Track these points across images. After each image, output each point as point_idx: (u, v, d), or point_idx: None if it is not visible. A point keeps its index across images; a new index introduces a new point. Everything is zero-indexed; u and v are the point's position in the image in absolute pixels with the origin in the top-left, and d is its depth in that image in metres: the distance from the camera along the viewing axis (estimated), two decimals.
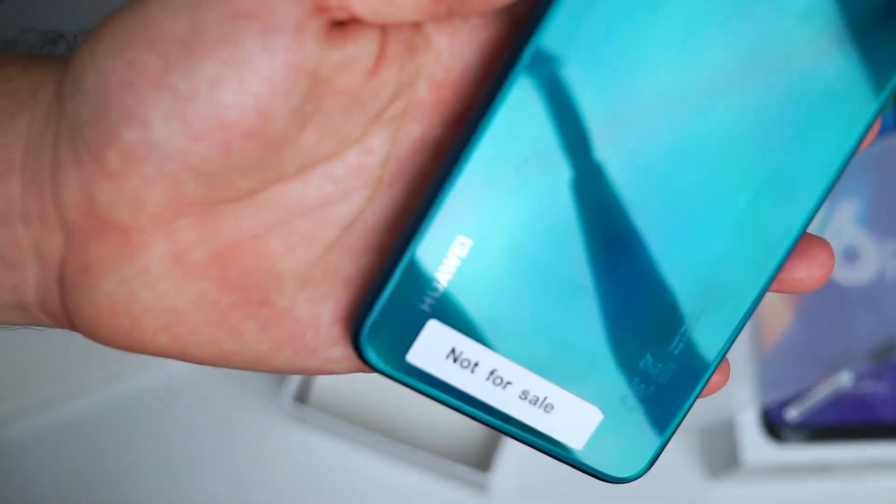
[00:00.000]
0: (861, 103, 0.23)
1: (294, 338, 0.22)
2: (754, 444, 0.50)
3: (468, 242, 0.22)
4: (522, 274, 0.22)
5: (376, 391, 0.53)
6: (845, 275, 0.53)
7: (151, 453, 0.54)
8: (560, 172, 0.22)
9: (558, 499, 0.54)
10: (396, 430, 0.53)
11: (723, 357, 0.24)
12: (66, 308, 0.21)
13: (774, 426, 0.51)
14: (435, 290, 0.22)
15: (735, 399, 0.51)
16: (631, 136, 0.22)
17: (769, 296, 0.52)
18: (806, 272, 0.24)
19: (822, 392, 0.52)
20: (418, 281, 0.22)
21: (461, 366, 0.22)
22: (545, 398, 0.23)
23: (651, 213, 0.23)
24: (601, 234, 0.22)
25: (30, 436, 0.54)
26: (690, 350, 0.24)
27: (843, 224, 0.54)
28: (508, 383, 0.23)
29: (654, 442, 0.24)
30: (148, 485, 0.54)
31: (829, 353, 0.52)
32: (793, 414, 0.51)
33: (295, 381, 0.51)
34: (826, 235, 0.53)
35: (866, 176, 0.54)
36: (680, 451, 0.54)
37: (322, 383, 0.53)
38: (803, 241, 0.24)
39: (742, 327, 0.24)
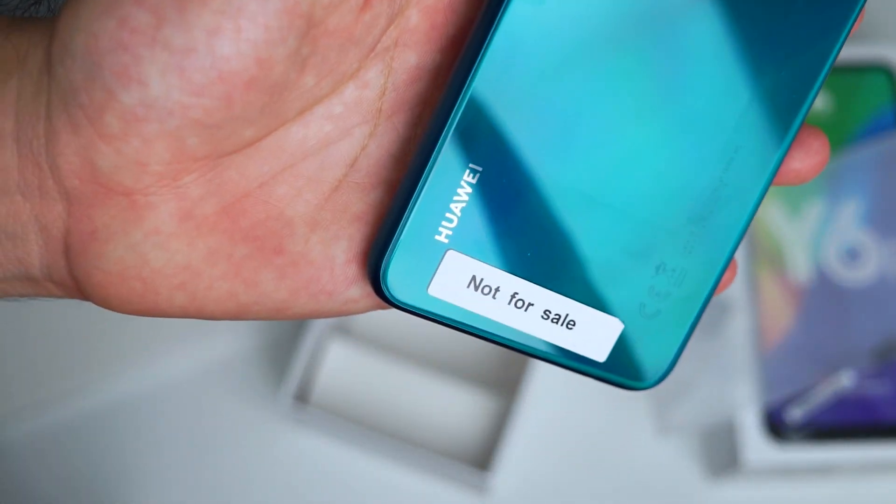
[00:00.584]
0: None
1: (311, 282, 0.22)
2: (755, 445, 0.50)
3: (479, 169, 0.22)
4: (534, 194, 0.22)
5: (376, 390, 0.53)
6: (847, 275, 0.53)
7: (149, 454, 0.54)
8: (564, 87, 0.22)
9: (559, 498, 0.54)
10: (396, 429, 0.53)
11: (732, 254, 0.24)
12: (74, 278, 0.21)
13: (775, 426, 0.51)
14: (450, 220, 0.22)
15: (736, 399, 0.51)
16: (635, 43, 0.22)
17: (770, 295, 0.52)
18: (801, 162, 0.24)
19: (823, 392, 0.51)
20: (433, 213, 0.22)
21: (483, 293, 0.23)
22: (567, 315, 0.23)
23: (656, 119, 0.23)
24: (608, 144, 0.22)
25: (28, 437, 0.54)
26: (701, 251, 0.24)
27: (844, 224, 0.53)
28: (530, 305, 0.23)
29: (673, 345, 0.24)
30: (147, 486, 0.54)
31: (831, 353, 0.51)
32: (794, 414, 0.51)
33: (295, 381, 0.51)
34: (828, 235, 0.53)
35: (868, 176, 0.54)
36: (680, 452, 0.54)
37: (322, 383, 0.53)
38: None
39: (749, 223, 0.24)
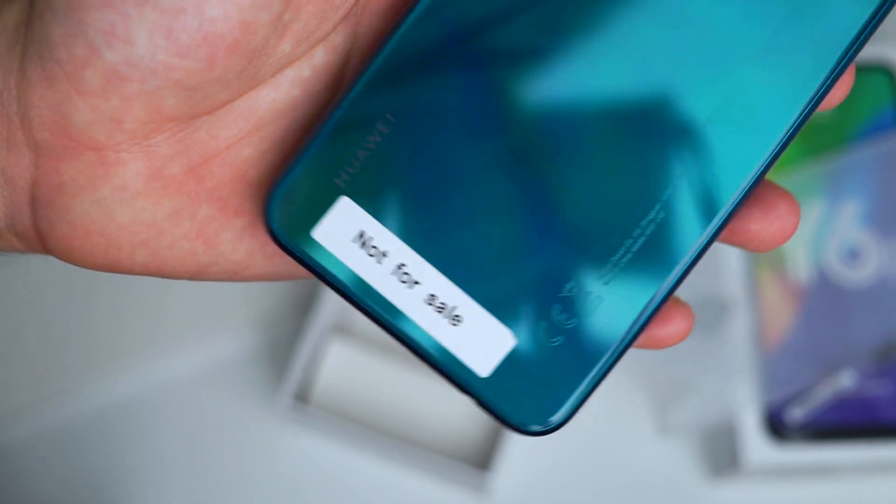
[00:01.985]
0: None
1: (266, 243, 0.22)
2: (755, 445, 0.50)
3: (394, 121, 0.20)
4: (448, 167, 0.20)
5: (376, 390, 0.53)
6: (847, 275, 0.53)
7: (149, 454, 0.54)
8: (497, 60, 0.20)
9: (559, 498, 0.54)
10: (396, 429, 0.53)
11: (663, 301, 0.21)
12: (38, 230, 0.21)
13: (776, 427, 0.51)
14: (352, 166, 0.20)
15: (736, 399, 0.51)
16: (576, 23, 0.20)
17: (771, 294, 0.52)
18: (758, 224, 0.22)
19: (823, 392, 0.51)
20: (336, 153, 0.20)
21: (368, 253, 0.20)
22: (454, 308, 0.21)
23: (597, 119, 0.20)
24: (542, 133, 0.20)
25: (27, 437, 0.54)
26: (625, 283, 0.21)
27: (844, 224, 0.53)
28: (416, 283, 0.20)
29: (573, 388, 0.21)
30: (146, 486, 0.54)
31: (831, 354, 0.51)
32: (794, 415, 0.51)
33: (295, 381, 0.51)
34: (828, 235, 0.53)
35: (868, 176, 0.54)
36: (680, 452, 0.54)
37: (322, 383, 0.53)
38: (765, 189, 0.22)
39: (689, 270, 0.21)
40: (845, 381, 0.52)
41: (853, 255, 0.53)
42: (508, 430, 0.21)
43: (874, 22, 0.20)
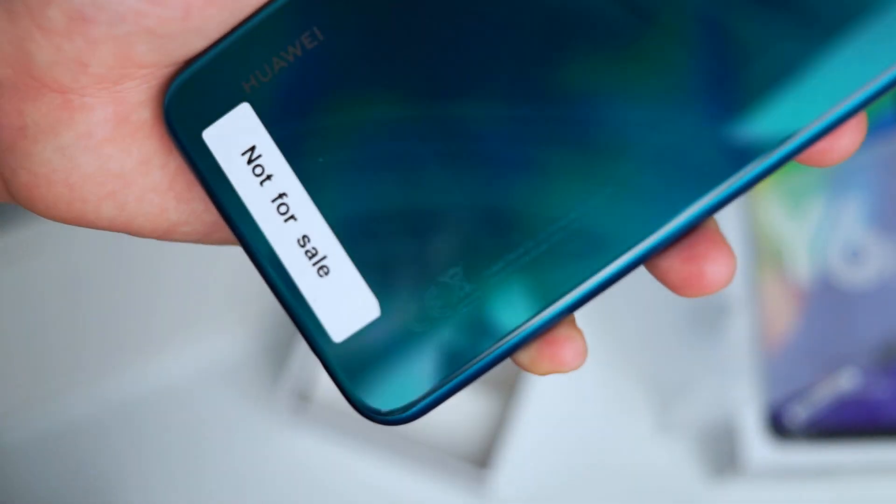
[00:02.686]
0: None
1: None
2: (756, 445, 0.50)
3: (321, 38, 0.19)
4: (365, 107, 0.19)
5: None
6: (848, 275, 0.53)
7: (149, 454, 0.54)
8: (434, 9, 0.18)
9: (559, 498, 0.54)
10: (396, 428, 0.53)
11: (551, 321, 0.19)
12: (2, 175, 0.20)
13: (777, 427, 0.51)
14: (264, 74, 0.19)
15: (737, 399, 0.50)
16: None
17: (772, 294, 0.52)
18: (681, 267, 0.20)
19: (825, 393, 0.51)
20: (251, 54, 0.19)
21: (253, 171, 0.19)
22: (324, 258, 0.19)
23: (528, 76, 0.18)
24: (473, 90, 0.18)
25: (26, 438, 0.54)
26: (514, 288, 0.18)
27: (845, 224, 0.53)
28: (292, 218, 0.19)
29: (426, 385, 0.19)
30: (146, 486, 0.54)
31: (833, 354, 0.51)
32: (796, 415, 0.51)
33: (295, 381, 0.51)
34: (829, 235, 0.53)
35: (869, 175, 0.54)
36: (680, 452, 0.54)
37: (322, 382, 0.53)
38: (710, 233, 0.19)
39: (593, 296, 0.19)
40: (846, 381, 0.52)
41: (854, 255, 0.53)
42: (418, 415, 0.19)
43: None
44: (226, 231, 0.21)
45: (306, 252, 0.19)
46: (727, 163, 0.18)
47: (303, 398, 0.52)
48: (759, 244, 0.53)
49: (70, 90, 0.19)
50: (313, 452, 0.54)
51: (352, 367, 0.19)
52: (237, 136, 0.19)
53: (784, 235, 0.53)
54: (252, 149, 0.19)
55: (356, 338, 0.19)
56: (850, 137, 0.20)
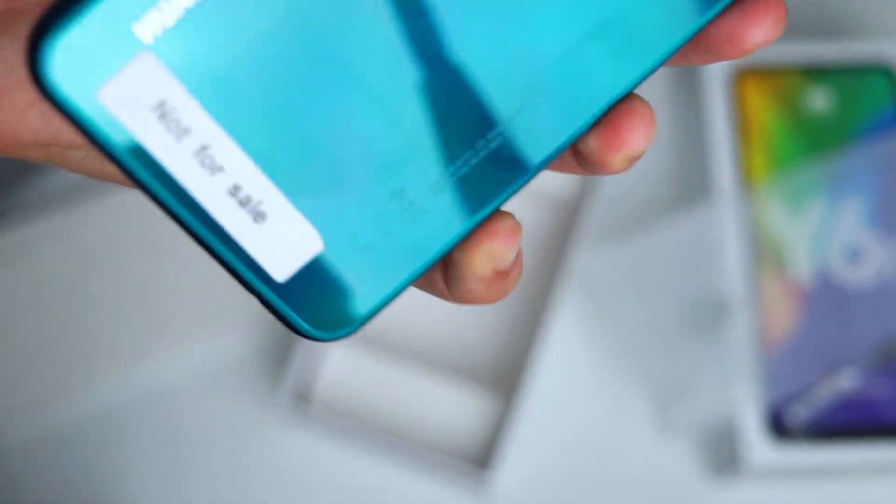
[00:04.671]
0: None
1: None
2: (756, 445, 0.50)
3: None
4: (281, 35, 0.17)
5: (376, 390, 0.53)
6: (849, 274, 0.53)
7: (149, 455, 0.54)
8: None
9: (558, 498, 0.54)
10: (396, 428, 0.53)
11: (483, 216, 0.19)
12: None
13: (777, 427, 0.51)
14: (169, 13, 0.16)
15: (737, 399, 0.50)
16: None
17: (772, 294, 0.52)
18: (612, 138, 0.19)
19: (825, 393, 0.51)
20: None
21: (167, 127, 0.16)
22: (259, 203, 0.18)
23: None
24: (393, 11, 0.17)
25: (26, 438, 0.54)
26: (450, 198, 0.18)
27: (846, 224, 0.53)
28: (219, 169, 0.17)
29: (372, 298, 0.19)
30: (146, 487, 0.54)
31: (833, 354, 0.51)
32: (796, 415, 0.51)
33: (295, 381, 0.51)
34: (830, 235, 0.53)
35: (869, 176, 0.54)
36: (681, 452, 0.54)
37: (322, 382, 0.53)
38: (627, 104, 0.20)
39: (523, 182, 0.19)
40: (846, 381, 0.52)
41: (854, 255, 0.53)
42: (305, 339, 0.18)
43: None
44: None
45: (239, 201, 0.17)
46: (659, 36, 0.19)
47: (303, 398, 0.52)
48: (760, 244, 0.53)
49: None
50: (313, 452, 0.54)
51: (298, 303, 0.18)
52: (142, 90, 0.16)
53: (784, 235, 0.53)
54: (163, 104, 0.16)
55: (300, 274, 0.18)
56: (765, 26, 0.19)
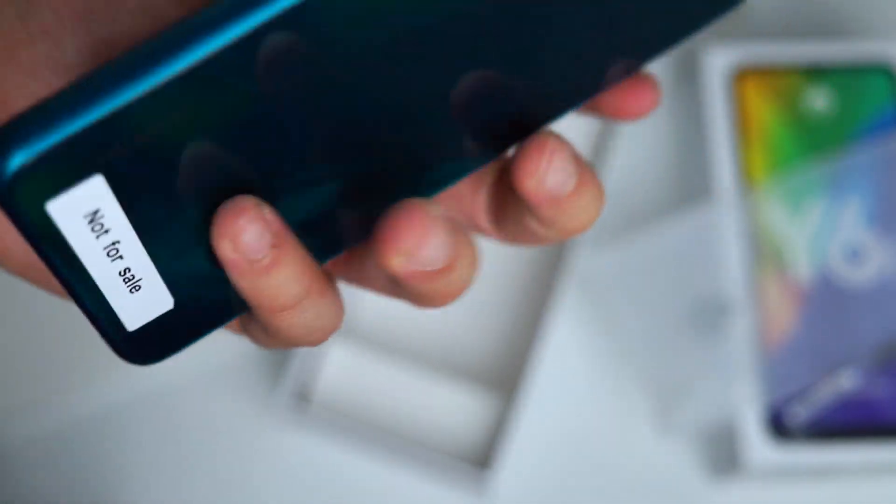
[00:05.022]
0: None
1: None
2: (756, 445, 0.50)
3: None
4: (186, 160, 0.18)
5: (377, 390, 0.53)
6: (849, 274, 0.53)
7: (149, 455, 0.54)
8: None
9: (559, 498, 0.54)
10: (396, 428, 0.53)
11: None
12: None
13: (777, 427, 0.51)
14: (129, 143, 0.17)
15: (737, 399, 0.50)
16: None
17: (772, 294, 0.52)
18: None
19: (825, 393, 0.51)
20: (124, 124, 0.17)
21: (92, 229, 0.18)
22: (139, 280, 0.20)
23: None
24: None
25: (26, 439, 0.54)
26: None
27: (846, 224, 0.53)
28: (119, 258, 0.19)
29: (180, 343, 0.23)
30: (146, 487, 0.54)
31: (833, 354, 0.51)
32: (796, 415, 0.51)
33: (295, 381, 0.51)
34: (830, 235, 0.53)
35: (869, 176, 0.54)
36: (681, 452, 0.54)
37: (323, 383, 0.53)
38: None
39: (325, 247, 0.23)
40: (846, 381, 0.52)
41: (855, 255, 0.53)
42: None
43: None
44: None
45: (125, 279, 0.20)
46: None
47: (303, 398, 0.52)
48: (760, 244, 0.53)
49: None
50: (313, 452, 0.54)
51: (136, 347, 0.22)
52: (83, 203, 0.18)
53: (784, 236, 0.53)
54: (96, 212, 0.18)
55: (148, 326, 0.21)
56: (645, 105, 0.22)
